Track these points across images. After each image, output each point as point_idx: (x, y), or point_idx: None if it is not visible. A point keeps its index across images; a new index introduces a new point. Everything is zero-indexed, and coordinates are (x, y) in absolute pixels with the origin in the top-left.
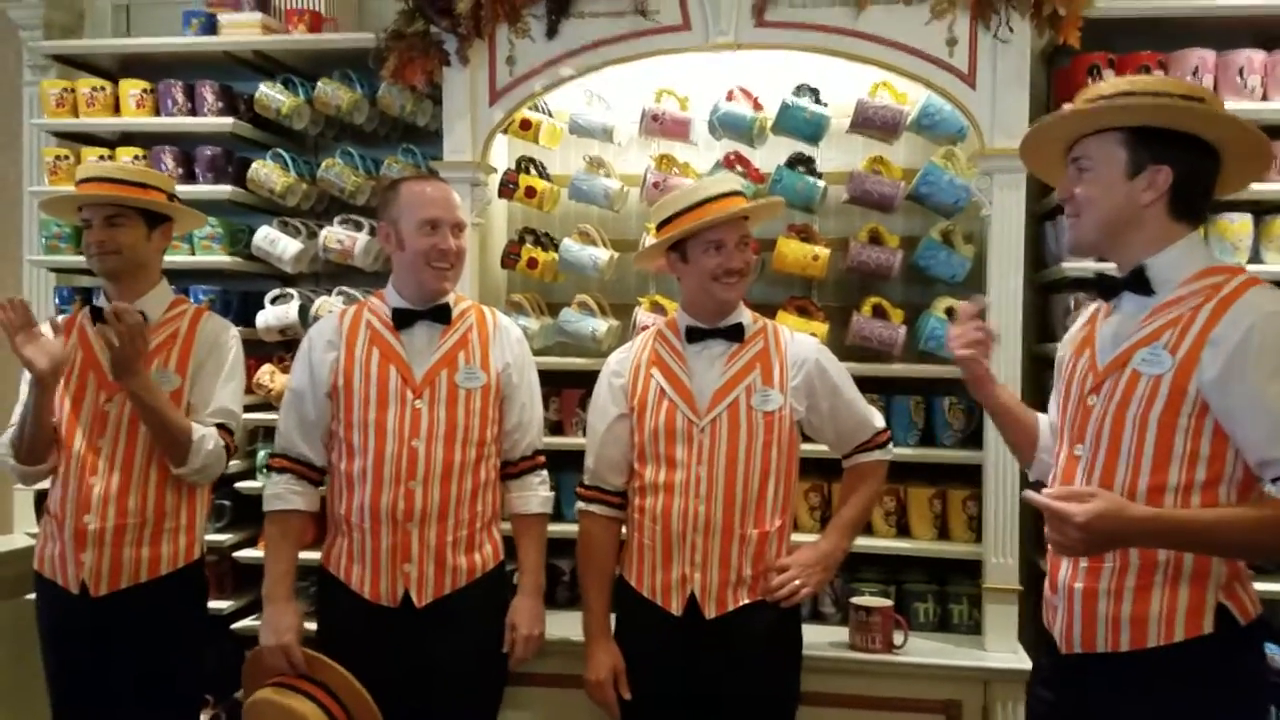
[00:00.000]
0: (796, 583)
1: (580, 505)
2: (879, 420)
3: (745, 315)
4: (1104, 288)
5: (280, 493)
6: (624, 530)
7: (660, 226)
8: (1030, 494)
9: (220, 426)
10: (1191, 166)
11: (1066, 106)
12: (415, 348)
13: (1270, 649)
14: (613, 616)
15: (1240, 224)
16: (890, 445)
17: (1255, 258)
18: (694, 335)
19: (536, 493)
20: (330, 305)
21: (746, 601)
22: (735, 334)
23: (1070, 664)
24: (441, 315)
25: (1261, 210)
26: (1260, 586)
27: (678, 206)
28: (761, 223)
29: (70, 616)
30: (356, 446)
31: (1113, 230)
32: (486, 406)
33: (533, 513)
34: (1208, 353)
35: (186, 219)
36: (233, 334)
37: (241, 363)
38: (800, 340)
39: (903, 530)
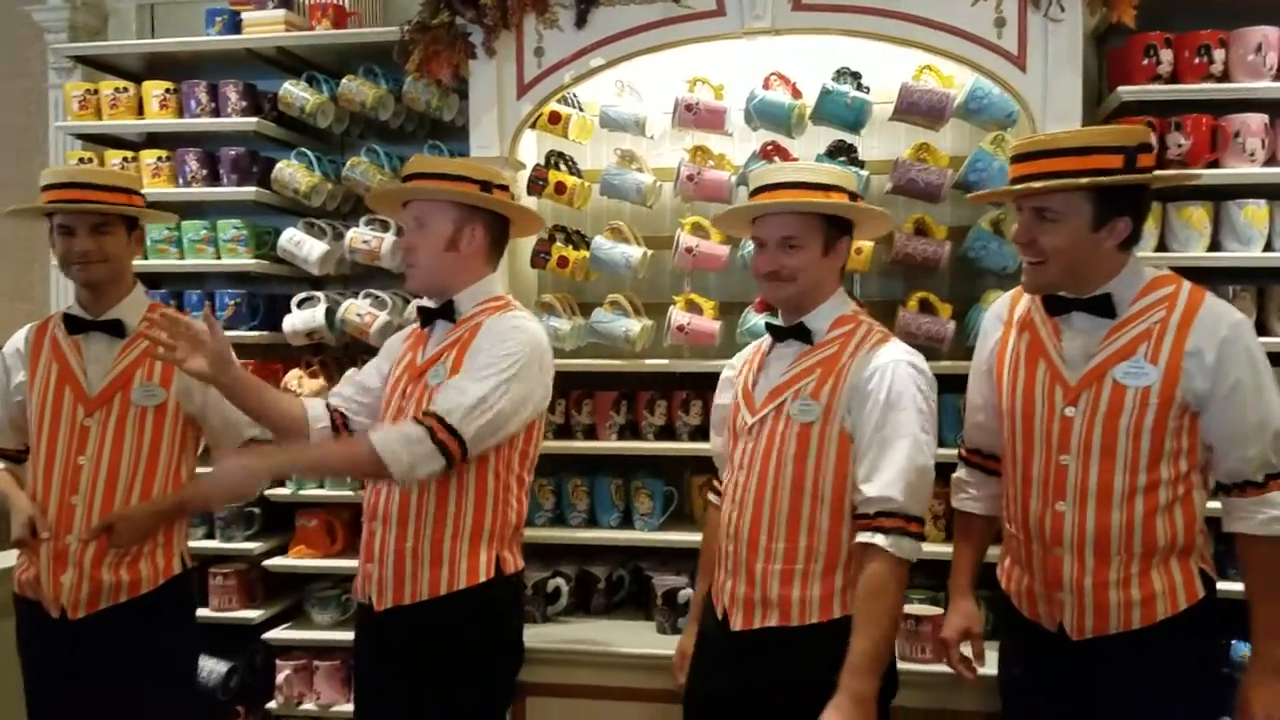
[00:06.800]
0: None
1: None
2: (895, 490)
3: (825, 318)
4: (1054, 306)
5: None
6: None
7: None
8: None
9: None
10: (1142, 211)
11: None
12: (433, 341)
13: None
14: None
15: (1202, 210)
16: (903, 537)
17: (1215, 245)
18: (775, 334)
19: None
20: (358, 308)
21: (774, 624)
22: (803, 336)
23: (1078, 648)
24: (447, 313)
25: (1220, 196)
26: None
27: (754, 184)
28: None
29: (50, 639)
30: None
31: (1075, 271)
32: None
33: None
34: (1190, 363)
35: (156, 219)
36: None
37: None
38: (882, 353)
39: (952, 535)
